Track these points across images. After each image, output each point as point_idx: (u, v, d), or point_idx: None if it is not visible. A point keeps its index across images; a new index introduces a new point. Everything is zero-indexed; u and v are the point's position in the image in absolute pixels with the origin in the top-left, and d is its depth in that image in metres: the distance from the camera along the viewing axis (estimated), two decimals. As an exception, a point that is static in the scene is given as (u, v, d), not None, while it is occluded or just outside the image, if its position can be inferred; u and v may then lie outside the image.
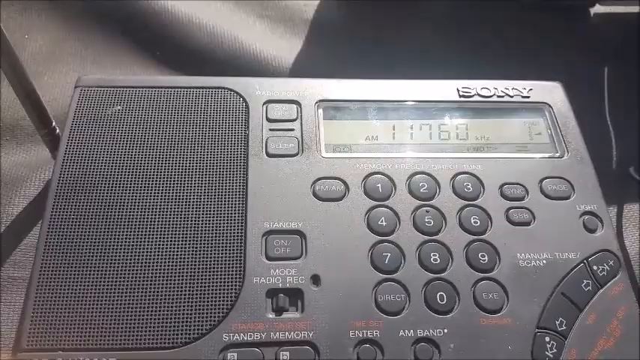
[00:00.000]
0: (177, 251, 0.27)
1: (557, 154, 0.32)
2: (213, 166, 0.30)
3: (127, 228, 0.28)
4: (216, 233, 0.28)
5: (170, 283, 0.26)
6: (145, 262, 0.27)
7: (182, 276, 0.27)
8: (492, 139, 0.33)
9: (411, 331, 0.26)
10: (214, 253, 0.27)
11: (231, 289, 0.27)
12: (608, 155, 0.40)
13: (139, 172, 0.29)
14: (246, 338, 0.25)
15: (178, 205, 0.28)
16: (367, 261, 0.28)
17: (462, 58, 0.44)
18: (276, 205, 0.29)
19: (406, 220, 0.29)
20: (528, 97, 0.34)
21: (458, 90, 0.34)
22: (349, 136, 0.32)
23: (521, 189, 0.31)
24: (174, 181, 0.29)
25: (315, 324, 0.26)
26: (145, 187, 0.29)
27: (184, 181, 0.29)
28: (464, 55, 0.45)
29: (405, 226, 0.29)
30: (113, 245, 0.27)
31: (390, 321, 0.26)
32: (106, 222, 0.28)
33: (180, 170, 0.30)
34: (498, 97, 0.34)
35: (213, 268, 0.27)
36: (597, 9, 0.49)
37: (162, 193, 0.29)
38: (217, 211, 0.28)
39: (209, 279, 0.27)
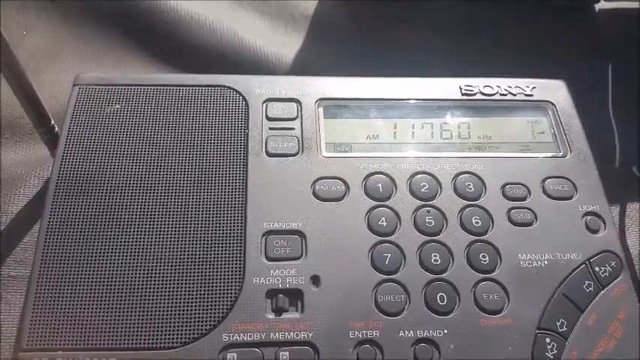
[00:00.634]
0: (177, 251, 0.27)
1: (560, 154, 0.32)
2: (212, 165, 0.30)
3: (126, 228, 0.27)
4: (215, 233, 0.28)
5: (170, 283, 0.26)
6: (145, 262, 0.27)
7: (182, 276, 0.27)
8: (495, 138, 0.33)
9: (411, 331, 0.26)
10: (214, 253, 0.27)
11: (231, 289, 0.26)
12: (611, 154, 0.40)
13: (138, 171, 0.29)
14: (245, 338, 0.25)
15: (178, 204, 0.28)
16: (367, 261, 0.28)
17: (462, 54, 0.44)
18: (276, 205, 0.29)
19: (407, 220, 0.29)
20: (531, 95, 0.34)
21: (460, 88, 0.34)
22: (350, 135, 0.32)
23: (524, 189, 0.30)
24: (173, 180, 0.29)
25: (314, 324, 0.26)
26: (143, 186, 0.29)
27: (184, 180, 0.29)
28: (464, 51, 0.44)
29: (406, 226, 0.29)
30: (112, 245, 0.27)
31: (390, 321, 0.26)
32: (104, 222, 0.28)
33: (180, 170, 0.29)
34: (501, 95, 0.34)
35: (213, 268, 0.27)
36: (602, 4, 0.49)
37: (161, 192, 0.29)
38: (217, 211, 0.28)
39: (209, 279, 0.27)
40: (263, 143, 0.31)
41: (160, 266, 0.27)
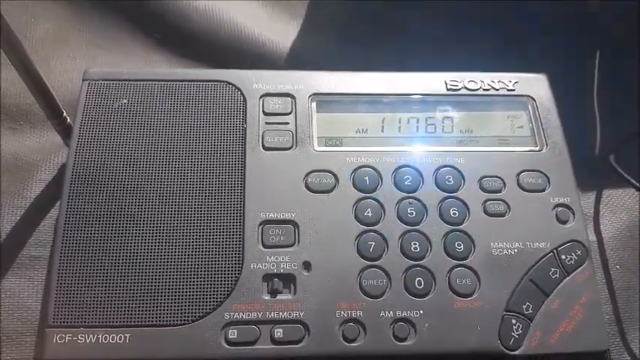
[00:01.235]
0: (183, 240, 0.30)
1: (537, 148, 0.34)
2: (215, 158, 0.32)
3: (137, 219, 0.30)
4: (218, 223, 0.30)
5: (178, 268, 0.29)
6: (155, 248, 0.30)
7: (188, 261, 0.30)
8: (476, 132, 0.35)
9: (391, 312, 0.29)
10: (217, 242, 0.30)
11: (232, 273, 0.30)
12: (593, 143, 0.42)
13: (146, 163, 0.32)
14: (244, 317, 0.29)
15: (183, 197, 0.31)
16: (353, 249, 0.30)
17: (451, 46, 0.45)
18: (271, 197, 0.31)
19: (390, 211, 0.32)
20: (513, 89, 0.36)
21: (446, 83, 0.36)
22: (340, 129, 0.34)
23: (499, 182, 0.33)
24: (178, 173, 0.31)
25: (305, 305, 0.29)
26: (152, 180, 0.31)
27: (187, 173, 0.31)
28: (454, 43, 0.45)
29: (390, 216, 0.31)
30: (124, 232, 0.30)
31: (372, 303, 0.29)
32: (116, 212, 0.30)
33: (184, 163, 0.32)
34: (484, 90, 0.36)
35: (216, 254, 0.30)
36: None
37: (168, 185, 0.31)
38: (219, 202, 0.31)
39: (212, 265, 0.30)
40: (260, 137, 0.33)
41: (169, 252, 0.30)
